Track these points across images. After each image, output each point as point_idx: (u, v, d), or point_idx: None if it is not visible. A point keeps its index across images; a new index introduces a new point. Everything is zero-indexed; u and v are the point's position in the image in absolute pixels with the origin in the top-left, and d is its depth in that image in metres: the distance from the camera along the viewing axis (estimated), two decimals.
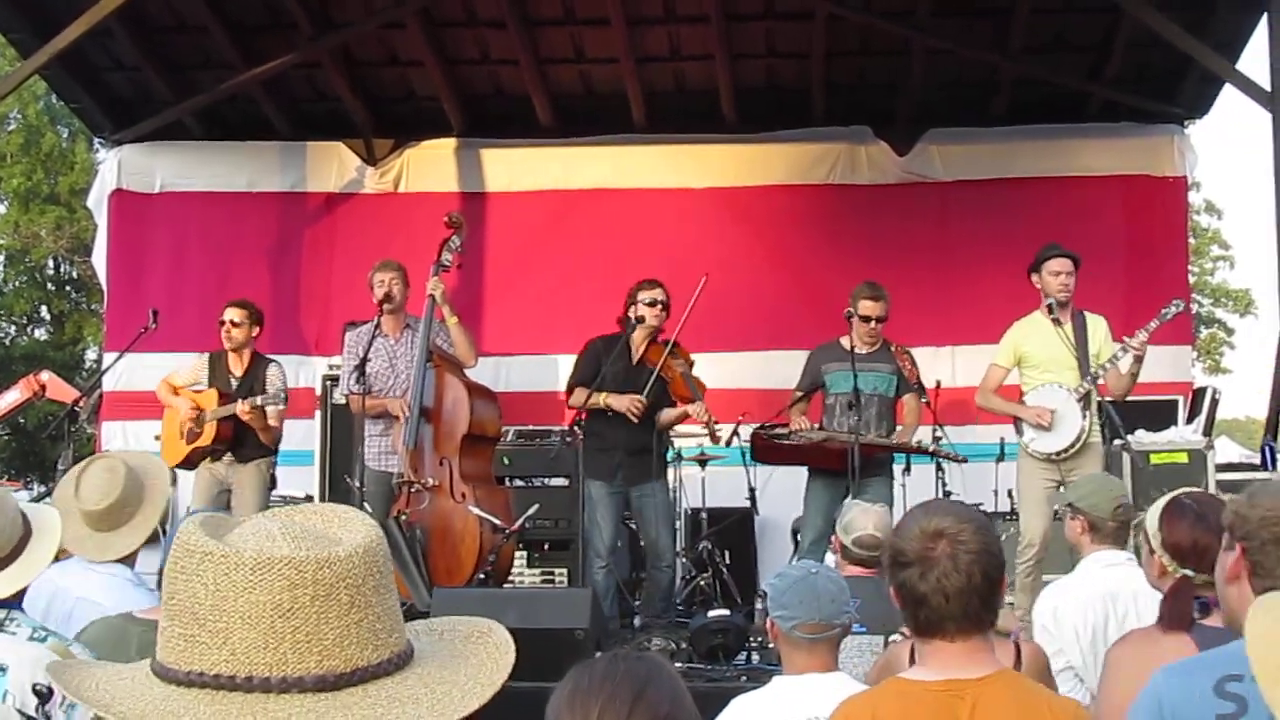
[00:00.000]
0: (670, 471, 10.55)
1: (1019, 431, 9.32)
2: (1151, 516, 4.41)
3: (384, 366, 9.64)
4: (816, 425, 9.95)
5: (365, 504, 9.07)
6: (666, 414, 9.76)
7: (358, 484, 9.25)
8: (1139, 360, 9.12)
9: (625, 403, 9.50)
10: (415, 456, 9.18)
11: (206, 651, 1.84)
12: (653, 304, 9.66)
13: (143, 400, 13.56)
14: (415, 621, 2.18)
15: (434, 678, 1.96)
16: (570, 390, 9.81)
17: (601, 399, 9.56)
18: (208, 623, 1.84)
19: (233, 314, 10.36)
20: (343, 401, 10.67)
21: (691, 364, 9.81)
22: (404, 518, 8.87)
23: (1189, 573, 4.11)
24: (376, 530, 1.97)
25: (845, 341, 9.91)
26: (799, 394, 10.17)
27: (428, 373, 9.30)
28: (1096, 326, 9.40)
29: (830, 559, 8.61)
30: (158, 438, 10.60)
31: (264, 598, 1.83)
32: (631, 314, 9.71)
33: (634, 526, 10.50)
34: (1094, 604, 5.65)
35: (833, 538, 6.97)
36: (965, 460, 10.16)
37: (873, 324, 9.83)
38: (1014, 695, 3.26)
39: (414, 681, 1.93)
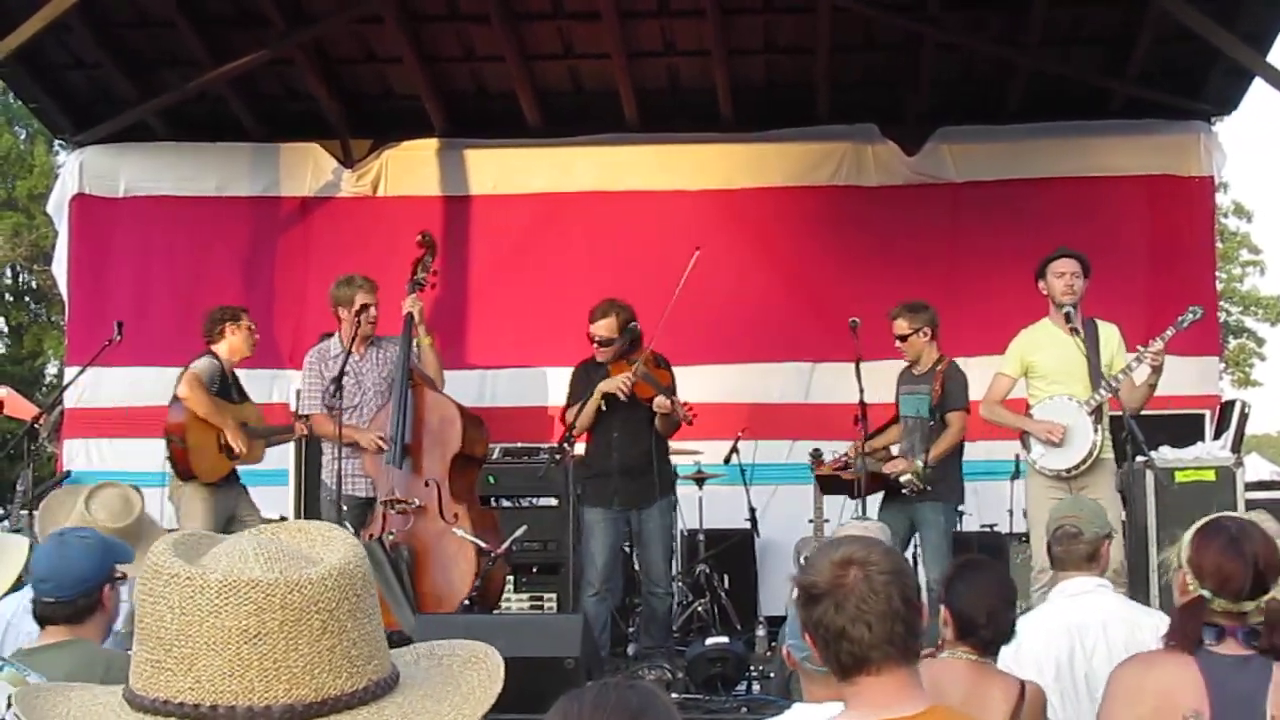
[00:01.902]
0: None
1: (1026, 447, 9.29)
2: (1189, 532, 4.44)
3: (350, 384, 9.67)
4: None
5: (345, 523, 9.16)
6: (657, 423, 9.74)
7: (333, 500, 9.40)
8: (1157, 371, 8.99)
9: (614, 384, 9.54)
10: (397, 476, 9.21)
11: (172, 679, 1.85)
12: (595, 342, 9.77)
13: (107, 416, 13.59)
14: (419, 644, 2.19)
15: (415, 708, 1.95)
16: (568, 423, 9.79)
17: (597, 394, 9.58)
18: (174, 648, 1.85)
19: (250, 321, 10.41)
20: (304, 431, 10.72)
21: (657, 361, 9.78)
22: (390, 537, 8.92)
23: (1206, 594, 4.14)
24: (358, 550, 1.97)
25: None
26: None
27: (407, 391, 9.36)
28: (1109, 335, 9.32)
29: None
30: (179, 442, 10.24)
31: (230, 622, 1.83)
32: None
33: (627, 549, 10.48)
34: (1058, 637, 5.66)
35: None
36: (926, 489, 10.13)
37: (897, 343, 10.11)
38: None
39: (391, 712, 1.93)
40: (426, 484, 9.18)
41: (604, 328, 9.71)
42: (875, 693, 3.17)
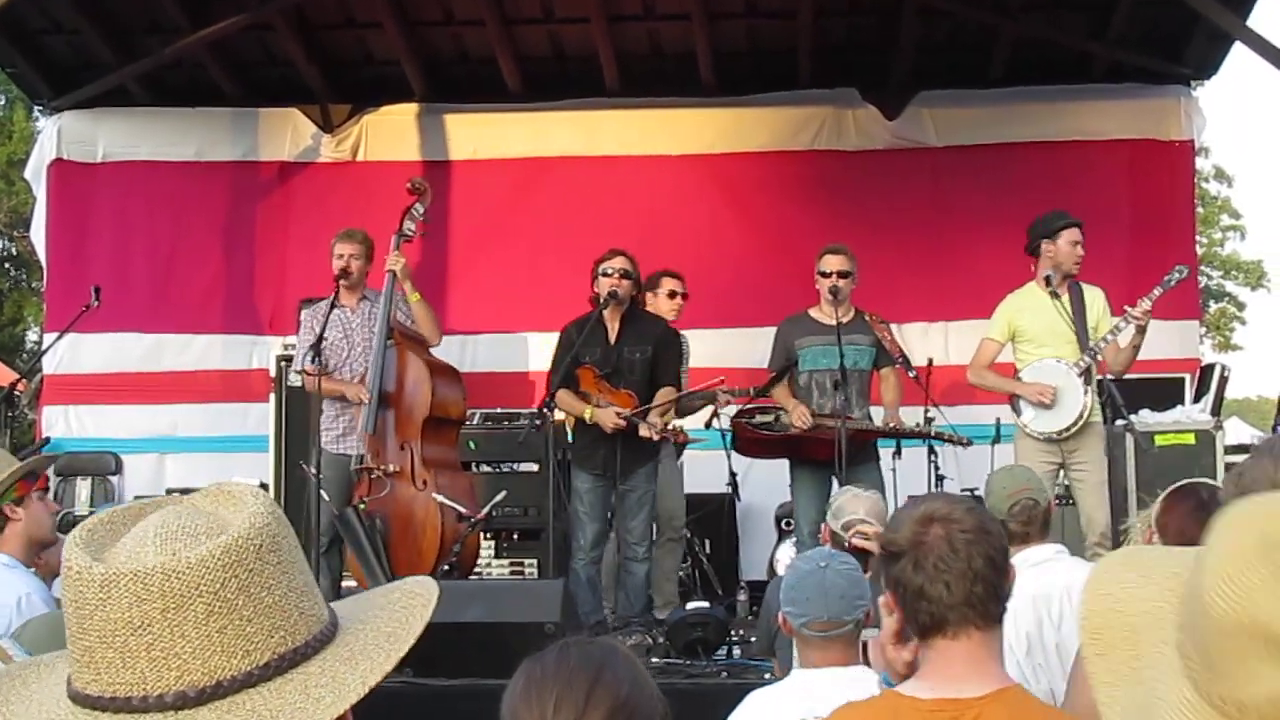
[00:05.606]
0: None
1: (1016, 411, 9.27)
2: (1166, 492, 4.44)
3: (339, 338, 9.62)
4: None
5: (322, 490, 9.10)
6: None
7: (314, 470, 9.19)
8: (1141, 331, 9.03)
9: (609, 419, 9.43)
10: (376, 441, 9.17)
11: (81, 670, 1.86)
12: (608, 274, 9.61)
13: (86, 383, 13.55)
14: (382, 586, 2.16)
15: (322, 678, 1.91)
16: (552, 388, 9.70)
17: (587, 414, 9.49)
18: (76, 641, 1.85)
19: None
20: (298, 383, 10.66)
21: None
22: (363, 505, 8.87)
23: None
24: (257, 519, 1.91)
25: (815, 313, 9.85)
26: (774, 374, 10.04)
27: (388, 351, 9.27)
28: (1094, 298, 9.36)
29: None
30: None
31: (115, 615, 1.82)
32: (598, 290, 9.67)
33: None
34: (1024, 611, 5.59)
35: (823, 526, 6.99)
36: (970, 442, 10.08)
37: (834, 279, 9.68)
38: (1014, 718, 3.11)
39: (293, 688, 1.89)
40: (402, 447, 9.15)
41: (621, 262, 9.63)
42: (947, 663, 3.10)
